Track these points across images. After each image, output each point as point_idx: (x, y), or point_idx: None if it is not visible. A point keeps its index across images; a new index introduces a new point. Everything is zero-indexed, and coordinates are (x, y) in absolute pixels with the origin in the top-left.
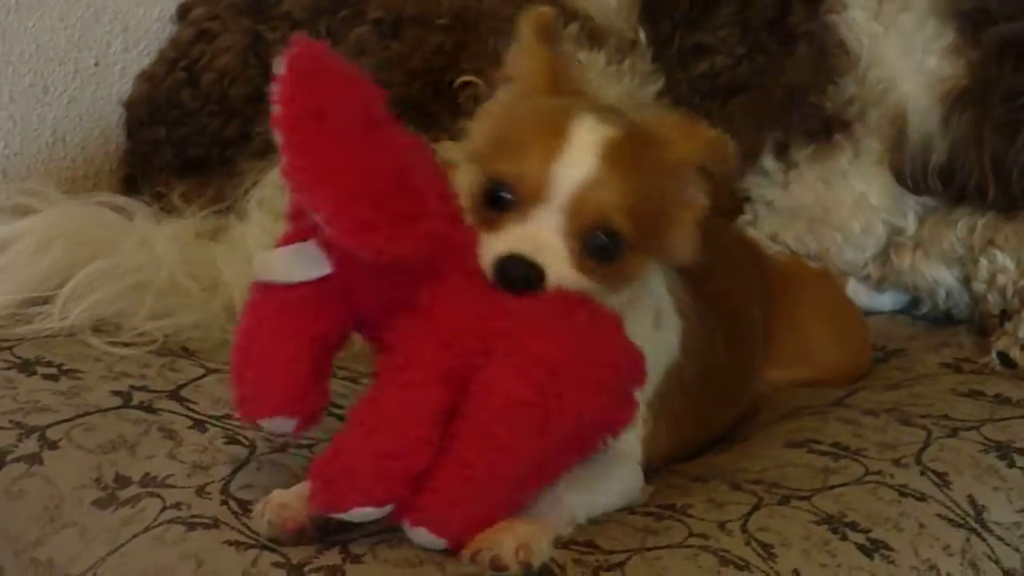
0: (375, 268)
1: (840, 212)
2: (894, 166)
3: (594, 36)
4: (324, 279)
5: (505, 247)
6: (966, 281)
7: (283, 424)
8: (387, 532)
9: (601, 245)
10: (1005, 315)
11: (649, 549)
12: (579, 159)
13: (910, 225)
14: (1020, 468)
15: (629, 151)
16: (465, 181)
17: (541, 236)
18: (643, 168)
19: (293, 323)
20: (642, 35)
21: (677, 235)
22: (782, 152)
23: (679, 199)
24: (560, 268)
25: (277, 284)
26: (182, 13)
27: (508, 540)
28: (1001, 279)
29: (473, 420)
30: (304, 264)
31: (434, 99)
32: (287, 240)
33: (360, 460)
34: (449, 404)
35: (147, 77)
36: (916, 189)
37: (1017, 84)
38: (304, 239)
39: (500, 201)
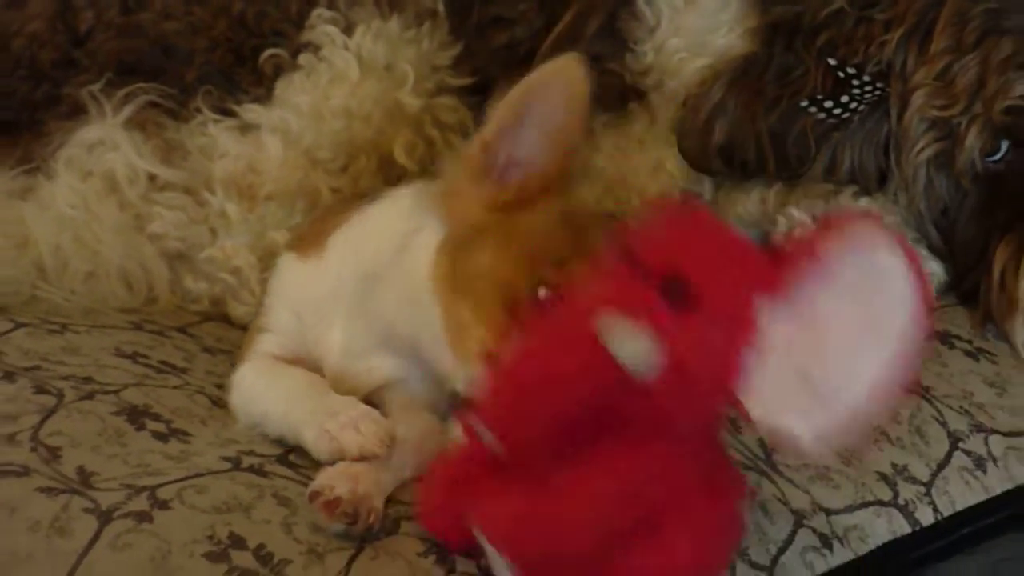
0: None
1: (638, 177)
2: (680, 146)
3: (392, 2)
4: None
5: None
6: (764, 238)
7: None
8: (195, 477)
9: None
10: None
11: None
12: None
13: (706, 190)
14: None
15: None
16: None
17: None
18: None
19: None
20: (440, 6)
21: None
22: None
23: None
24: None
25: None
26: None
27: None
28: (800, 233)
29: None
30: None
31: (237, 65)
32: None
33: None
34: None
35: None
36: (701, 168)
37: (787, 62)
38: None
39: None
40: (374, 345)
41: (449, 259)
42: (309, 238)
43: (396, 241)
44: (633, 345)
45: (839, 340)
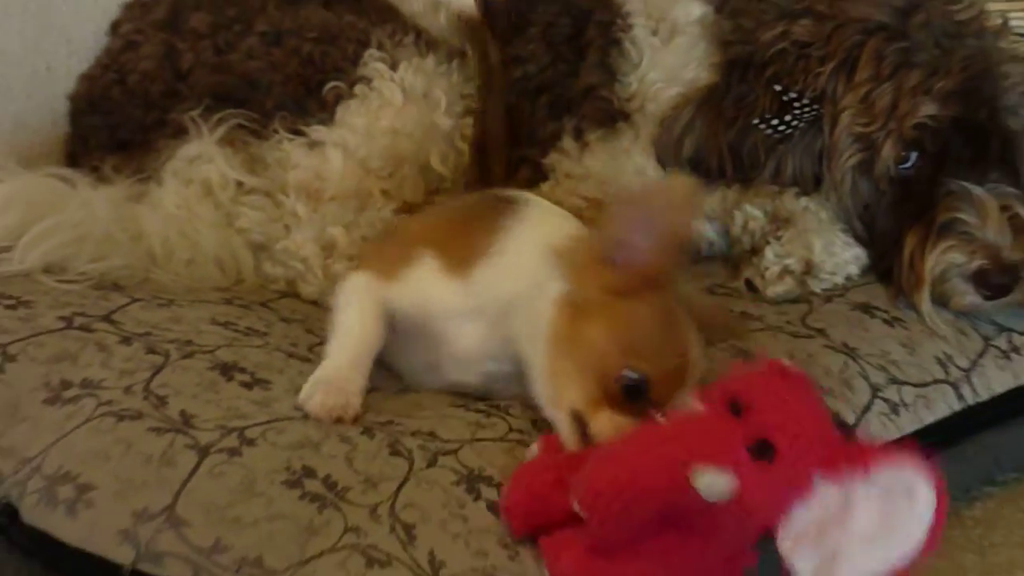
0: None
1: (623, 180)
2: (657, 155)
3: (429, 44)
4: None
5: None
6: (724, 234)
7: None
8: (275, 421)
9: None
10: (753, 252)
11: (478, 440)
12: None
13: None
14: None
15: None
16: None
17: None
18: None
19: None
20: (468, 48)
21: None
22: (578, 135)
23: None
24: None
25: None
26: (114, 28)
27: None
28: (752, 225)
29: None
30: None
31: (306, 96)
32: None
33: None
34: None
35: (87, 78)
36: None
37: (743, 91)
38: None
39: None
40: (492, 350)
41: (565, 320)
42: (454, 254)
43: (532, 282)
44: (716, 486)
45: (861, 530)
